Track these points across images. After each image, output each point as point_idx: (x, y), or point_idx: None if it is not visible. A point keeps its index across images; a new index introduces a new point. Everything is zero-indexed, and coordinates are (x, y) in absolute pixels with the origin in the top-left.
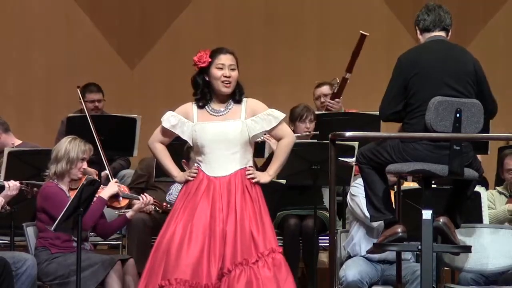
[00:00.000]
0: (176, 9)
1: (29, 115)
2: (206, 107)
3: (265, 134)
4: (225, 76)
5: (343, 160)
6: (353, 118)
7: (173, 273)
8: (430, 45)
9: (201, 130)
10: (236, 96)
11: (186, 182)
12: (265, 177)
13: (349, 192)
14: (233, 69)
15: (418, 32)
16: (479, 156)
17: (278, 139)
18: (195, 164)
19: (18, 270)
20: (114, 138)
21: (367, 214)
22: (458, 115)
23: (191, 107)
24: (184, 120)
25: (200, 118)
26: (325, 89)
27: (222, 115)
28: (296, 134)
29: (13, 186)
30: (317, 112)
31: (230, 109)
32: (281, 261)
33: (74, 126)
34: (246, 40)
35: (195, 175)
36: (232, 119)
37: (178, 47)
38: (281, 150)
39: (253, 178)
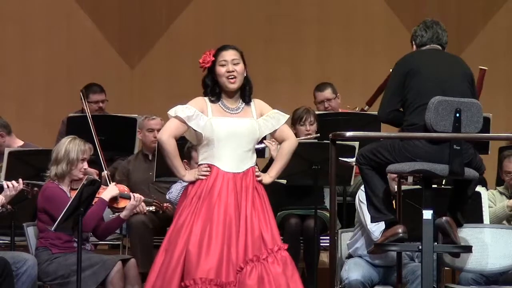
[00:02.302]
0: (176, 9)
1: (29, 115)
2: (219, 103)
3: (265, 139)
4: (228, 71)
5: (343, 160)
6: (353, 118)
7: (196, 272)
8: (426, 51)
9: (219, 124)
10: (246, 95)
11: (194, 181)
12: (266, 178)
13: (357, 195)
14: (236, 63)
15: (414, 47)
16: None
17: (281, 141)
18: (203, 163)
19: (18, 270)
20: (114, 138)
21: (372, 229)
22: (457, 115)
23: (204, 101)
24: (199, 113)
25: (215, 113)
26: (328, 93)
27: (236, 113)
28: (297, 139)
29: (13, 186)
30: (317, 112)
31: (242, 108)
32: (286, 258)
33: (75, 126)
34: (246, 40)
35: (208, 173)
36: (247, 118)
37: (178, 47)
38: (283, 153)
39: (257, 177)
